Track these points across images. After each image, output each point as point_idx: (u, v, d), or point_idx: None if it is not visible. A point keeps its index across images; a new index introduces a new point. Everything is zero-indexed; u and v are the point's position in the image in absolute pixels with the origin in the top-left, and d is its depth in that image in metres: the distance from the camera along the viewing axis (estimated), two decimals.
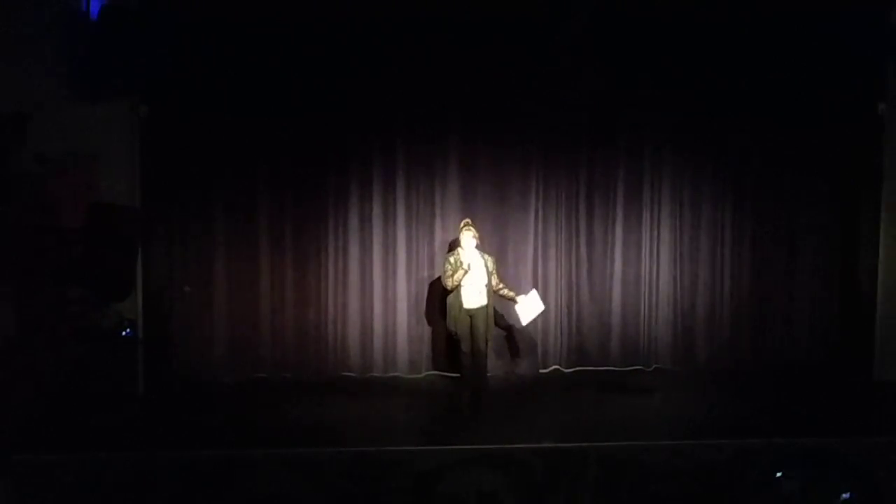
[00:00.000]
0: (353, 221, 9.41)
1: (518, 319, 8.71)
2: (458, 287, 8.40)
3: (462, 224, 8.57)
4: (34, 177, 7.52)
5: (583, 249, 9.64)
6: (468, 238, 8.43)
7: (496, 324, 8.73)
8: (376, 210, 9.42)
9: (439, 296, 9.08)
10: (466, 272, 8.34)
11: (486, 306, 8.48)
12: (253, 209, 9.32)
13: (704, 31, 9.09)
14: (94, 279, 7.08)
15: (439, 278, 8.96)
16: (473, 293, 8.43)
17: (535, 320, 8.84)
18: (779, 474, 6.18)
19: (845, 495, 5.96)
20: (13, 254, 7.28)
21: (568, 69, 9.15)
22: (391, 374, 9.47)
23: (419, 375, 9.51)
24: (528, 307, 8.61)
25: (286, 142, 9.20)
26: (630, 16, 8.87)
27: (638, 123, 9.51)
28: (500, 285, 8.55)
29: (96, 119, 8.16)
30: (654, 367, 9.63)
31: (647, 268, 9.63)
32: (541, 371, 9.59)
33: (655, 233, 9.63)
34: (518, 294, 8.63)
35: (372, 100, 9.18)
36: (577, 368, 9.63)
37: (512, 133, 9.43)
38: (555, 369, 9.63)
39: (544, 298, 9.49)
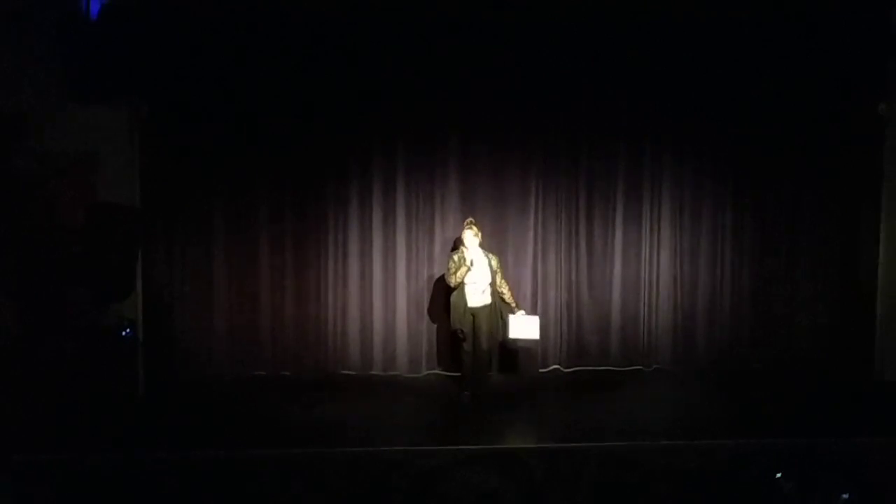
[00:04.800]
0: (354, 220, 9.41)
1: (507, 328, 8.59)
2: (461, 285, 8.42)
3: (465, 223, 8.59)
4: (34, 177, 7.52)
5: (583, 249, 9.63)
6: (470, 236, 8.45)
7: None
8: (376, 209, 9.42)
9: (441, 295, 9.10)
10: (469, 269, 8.36)
11: (490, 305, 8.49)
12: (253, 209, 9.31)
13: (704, 32, 9.07)
14: (94, 279, 7.08)
15: (441, 277, 8.98)
16: (477, 292, 8.45)
17: (523, 339, 8.75)
18: (779, 474, 6.18)
19: (845, 495, 5.95)
20: (13, 254, 7.27)
21: (568, 71, 9.19)
22: (391, 373, 9.47)
23: (419, 375, 9.51)
24: (523, 327, 8.55)
25: (286, 141, 9.20)
26: (629, 16, 8.87)
27: (638, 123, 9.50)
28: (503, 288, 8.54)
29: (96, 119, 8.16)
30: (654, 367, 9.64)
31: (647, 268, 9.63)
32: (541, 371, 9.59)
33: (655, 233, 9.63)
34: (518, 307, 8.59)
35: (372, 100, 9.16)
36: (577, 368, 9.63)
37: (512, 133, 9.42)
38: (555, 369, 9.63)
39: (544, 298, 9.55)
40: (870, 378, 9.12)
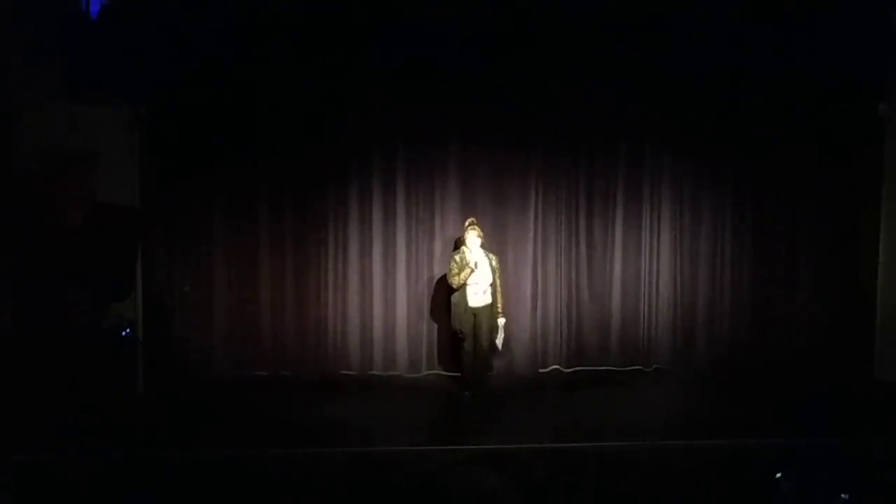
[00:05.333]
0: (354, 221, 9.42)
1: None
2: (463, 286, 8.42)
3: (467, 223, 8.59)
4: (34, 177, 7.51)
5: (583, 249, 9.64)
6: (473, 237, 8.45)
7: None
8: (376, 209, 9.43)
9: (441, 295, 9.10)
10: (473, 271, 8.36)
11: (490, 305, 8.50)
12: (253, 208, 9.33)
13: (704, 32, 9.06)
14: (94, 279, 7.07)
15: (441, 278, 8.97)
16: (478, 292, 8.46)
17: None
18: (779, 474, 6.17)
19: (845, 495, 5.95)
20: (13, 254, 7.27)
21: (568, 71, 9.19)
22: (391, 374, 9.47)
23: (419, 375, 9.51)
24: (499, 334, 8.64)
25: (286, 141, 9.21)
26: (629, 16, 8.86)
27: (638, 123, 9.51)
28: (498, 291, 8.55)
29: (96, 119, 8.14)
30: (654, 367, 9.64)
31: (647, 268, 9.64)
32: (541, 371, 9.59)
33: (655, 233, 9.64)
34: (501, 314, 8.63)
35: (372, 100, 9.17)
36: (577, 368, 9.64)
37: (512, 133, 9.42)
38: (555, 369, 9.64)
39: (544, 298, 9.57)
40: (870, 378, 9.11)
